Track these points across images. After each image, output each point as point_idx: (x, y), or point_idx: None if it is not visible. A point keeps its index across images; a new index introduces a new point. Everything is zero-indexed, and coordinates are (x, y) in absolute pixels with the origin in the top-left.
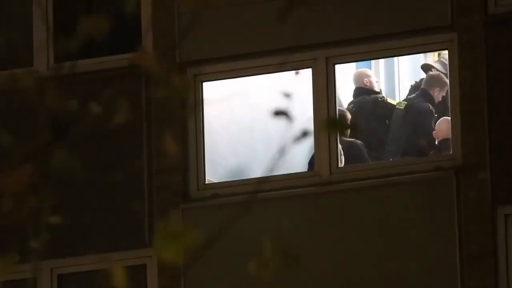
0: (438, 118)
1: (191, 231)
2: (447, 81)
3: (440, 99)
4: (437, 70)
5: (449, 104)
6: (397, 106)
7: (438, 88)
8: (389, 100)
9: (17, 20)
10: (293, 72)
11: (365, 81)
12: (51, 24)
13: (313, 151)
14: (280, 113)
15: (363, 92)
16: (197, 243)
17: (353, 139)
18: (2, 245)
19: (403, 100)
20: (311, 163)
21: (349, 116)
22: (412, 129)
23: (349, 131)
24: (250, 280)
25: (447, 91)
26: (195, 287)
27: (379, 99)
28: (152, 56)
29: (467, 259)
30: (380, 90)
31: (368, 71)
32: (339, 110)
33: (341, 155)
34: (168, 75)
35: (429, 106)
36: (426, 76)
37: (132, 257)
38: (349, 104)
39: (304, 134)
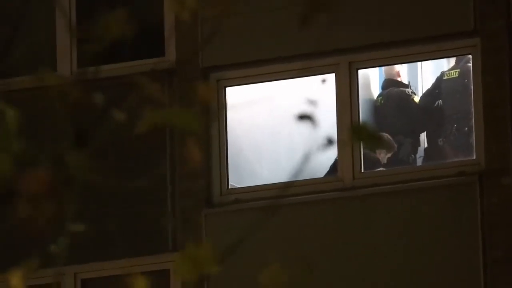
0: None
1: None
2: None
3: None
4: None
5: (472, 109)
6: (446, 77)
7: None
8: (415, 98)
9: (40, 26)
10: (316, 77)
11: (396, 73)
12: (74, 29)
13: (336, 155)
14: (304, 117)
15: (392, 83)
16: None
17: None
18: (24, 250)
19: (451, 69)
20: (333, 167)
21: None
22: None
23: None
24: None
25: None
26: None
27: (406, 93)
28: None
29: (491, 265)
30: (409, 82)
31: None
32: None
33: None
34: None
35: None
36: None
37: (156, 262)
38: (378, 96)
39: (329, 142)
